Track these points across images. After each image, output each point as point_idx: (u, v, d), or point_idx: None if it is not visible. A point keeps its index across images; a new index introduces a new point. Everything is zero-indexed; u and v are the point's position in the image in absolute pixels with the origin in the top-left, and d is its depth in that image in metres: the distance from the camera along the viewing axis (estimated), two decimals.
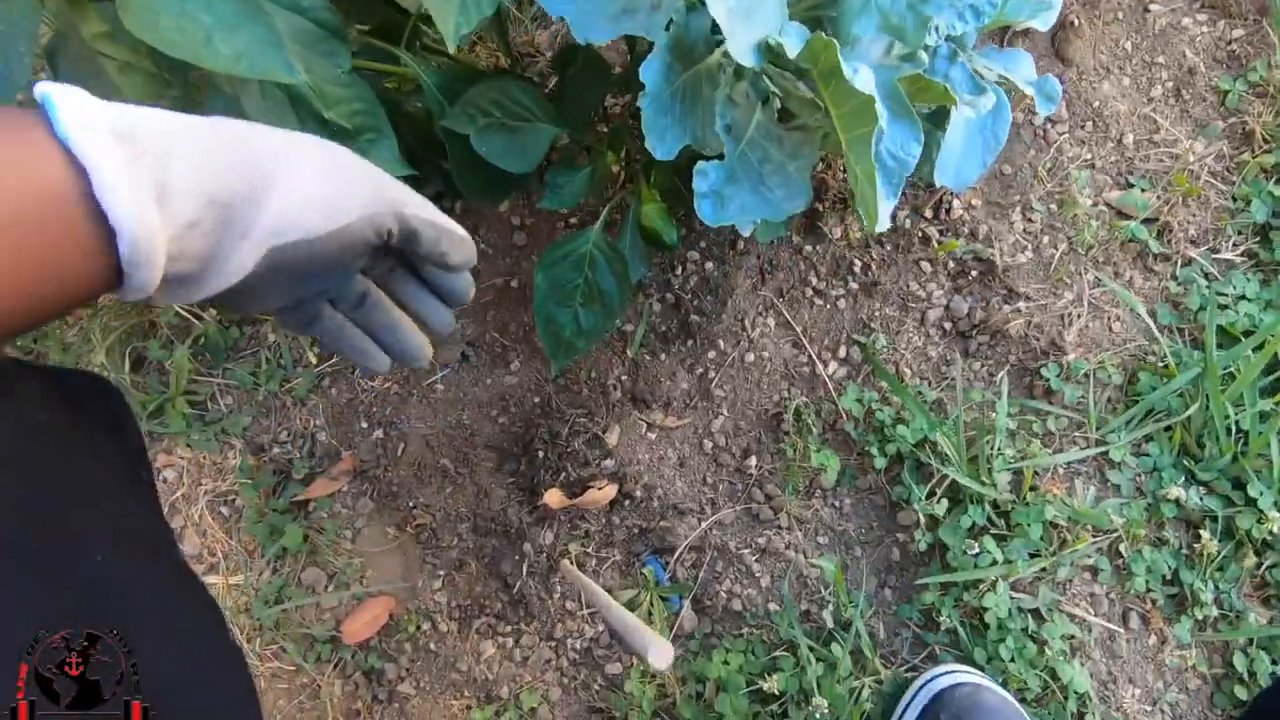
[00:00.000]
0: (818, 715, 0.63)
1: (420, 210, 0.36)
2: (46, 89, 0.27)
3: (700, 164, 0.51)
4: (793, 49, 0.46)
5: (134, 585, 0.31)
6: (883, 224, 0.46)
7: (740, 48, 0.46)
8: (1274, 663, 0.66)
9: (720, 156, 0.54)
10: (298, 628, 0.77)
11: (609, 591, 0.75)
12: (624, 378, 0.84)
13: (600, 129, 0.89)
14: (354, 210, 0.33)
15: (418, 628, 0.77)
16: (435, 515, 0.80)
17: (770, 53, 0.48)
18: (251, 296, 0.33)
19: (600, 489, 0.77)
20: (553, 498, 0.75)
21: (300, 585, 0.79)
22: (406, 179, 0.38)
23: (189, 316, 0.86)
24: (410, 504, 0.81)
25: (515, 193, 0.91)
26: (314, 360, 0.87)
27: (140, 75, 0.50)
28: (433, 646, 0.77)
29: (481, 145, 0.57)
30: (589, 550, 0.78)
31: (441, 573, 0.79)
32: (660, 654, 0.23)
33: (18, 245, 0.26)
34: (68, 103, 0.27)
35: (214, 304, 0.36)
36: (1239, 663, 0.67)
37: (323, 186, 0.32)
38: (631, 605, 0.75)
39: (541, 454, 0.80)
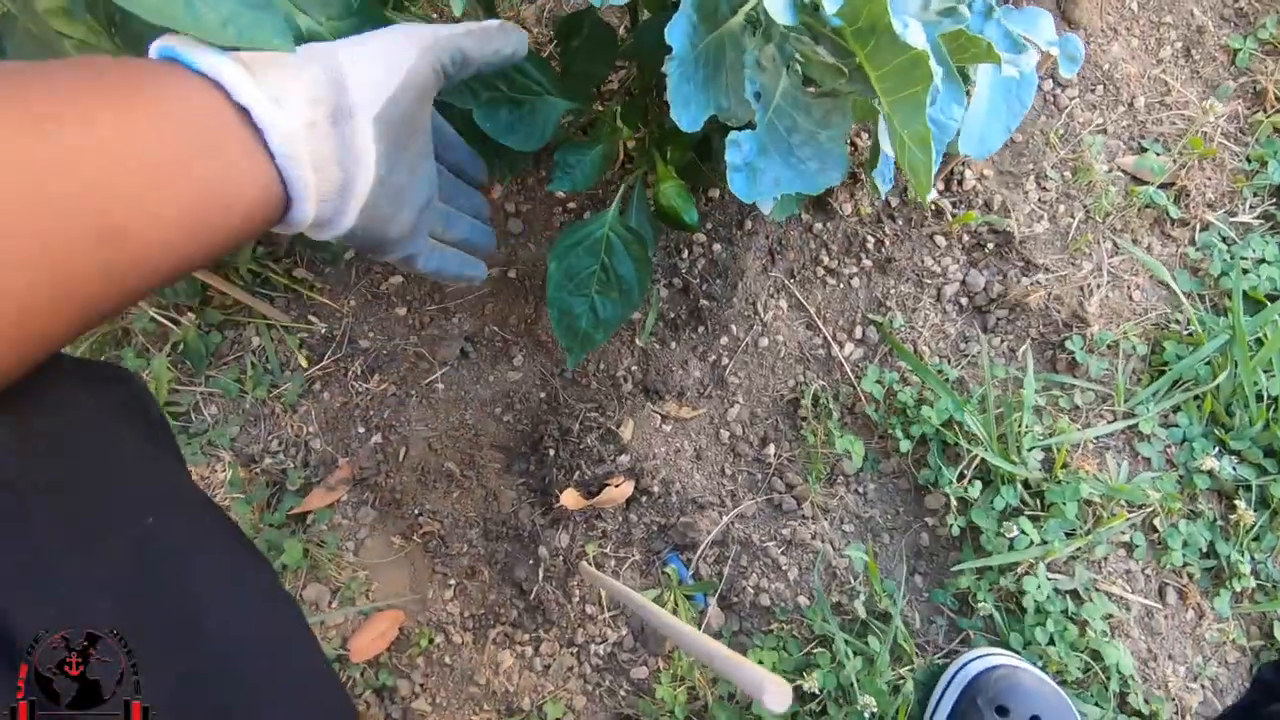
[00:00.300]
0: (866, 715, 0.61)
1: (456, 30, 0.40)
2: (167, 42, 0.32)
3: (733, 134, 0.47)
4: (832, 3, 0.42)
5: (188, 544, 0.32)
6: (932, 194, 0.43)
7: (777, 4, 0.42)
8: None
9: (746, 127, 0.50)
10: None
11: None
12: (634, 368, 0.80)
13: (598, 106, 0.84)
14: (410, 54, 0.37)
15: (430, 641, 0.73)
16: (443, 522, 0.76)
17: (804, 10, 0.44)
18: (391, 201, 0.39)
19: (617, 486, 0.73)
20: (569, 499, 0.71)
21: (302, 603, 0.74)
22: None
23: (165, 323, 0.81)
24: (415, 511, 0.76)
25: (513, 174, 0.86)
26: (304, 363, 0.82)
27: (99, 54, 0.44)
28: (447, 660, 0.73)
29: (485, 121, 0.53)
30: (607, 550, 0.75)
31: (452, 582, 0.75)
32: (778, 696, 0.20)
33: (204, 175, 0.30)
34: (187, 44, 0.32)
35: (361, 241, 0.40)
36: (1278, 633, 0.66)
37: (375, 46, 0.37)
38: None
39: (552, 452, 0.76)
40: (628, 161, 0.84)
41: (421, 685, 0.73)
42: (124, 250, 0.28)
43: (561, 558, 0.74)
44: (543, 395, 0.80)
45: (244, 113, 0.32)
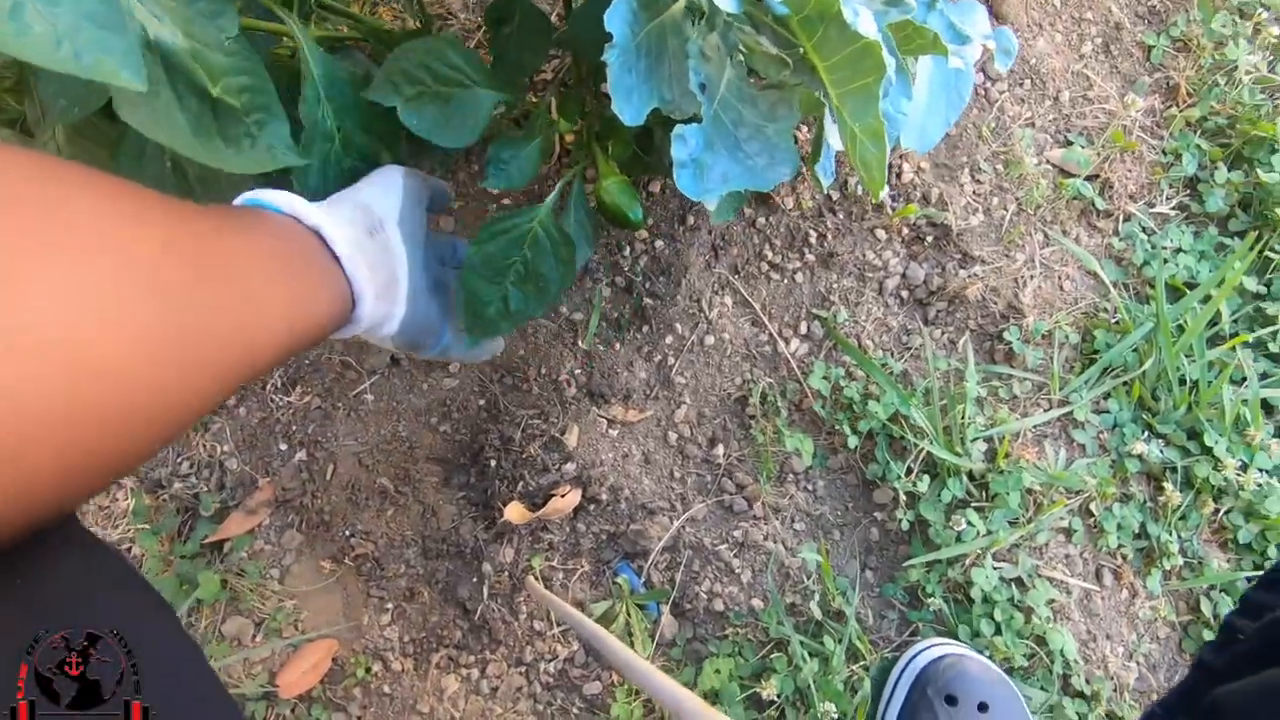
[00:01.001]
0: None
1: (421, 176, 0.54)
2: (257, 195, 0.41)
3: (679, 128, 0.45)
4: None
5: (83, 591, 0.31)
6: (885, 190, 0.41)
7: None
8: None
9: (691, 120, 0.47)
10: (224, 688, 0.67)
11: (580, 606, 0.69)
12: (578, 371, 0.77)
13: (532, 98, 0.80)
14: (398, 175, 0.50)
15: (368, 670, 0.68)
16: (377, 542, 0.71)
17: None
18: (426, 289, 0.51)
19: (564, 496, 0.70)
20: (514, 512, 0.68)
21: (223, 639, 0.68)
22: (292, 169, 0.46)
23: None
24: (346, 532, 0.71)
25: (443, 170, 0.81)
26: None
27: None
28: (387, 689, 0.68)
29: (411, 118, 0.48)
30: (555, 563, 0.72)
31: (390, 606, 0.70)
32: None
33: (302, 283, 0.38)
34: (275, 195, 0.41)
35: (410, 333, 0.51)
36: (1204, 608, 0.69)
37: (376, 179, 0.50)
38: (607, 617, 0.69)
39: (494, 463, 0.72)
40: (565, 155, 0.81)
41: (359, 718, 0.68)
42: (255, 361, 0.34)
43: (507, 573, 0.70)
44: (481, 403, 0.76)
45: (316, 234, 0.41)
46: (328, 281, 0.40)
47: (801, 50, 0.51)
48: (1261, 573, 0.56)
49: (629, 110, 0.44)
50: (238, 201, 0.41)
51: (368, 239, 0.44)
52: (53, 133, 0.52)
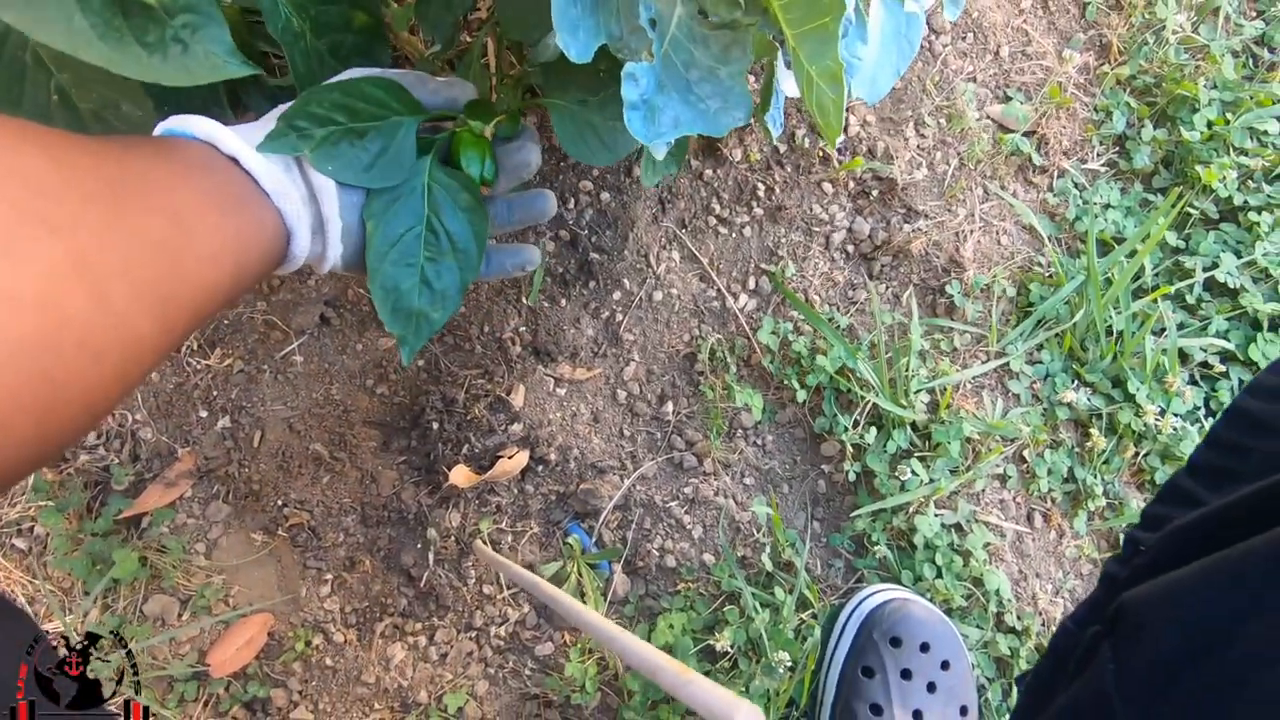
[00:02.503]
0: (780, 670, 0.61)
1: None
2: (178, 122, 0.38)
3: (629, 67, 0.42)
4: None
5: None
6: (841, 137, 0.40)
7: None
8: None
9: (642, 61, 0.44)
10: (148, 671, 0.63)
11: (530, 568, 0.68)
12: (522, 329, 0.74)
13: (466, 38, 0.75)
14: None
15: (307, 643, 0.65)
16: (313, 511, 0.68)
17: None
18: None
19: (511, 457, 0.68)
20: (459, 476, 0.65)
21: (144, 619, 0.64)
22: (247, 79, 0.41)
23: None
24: (279, 502, 0.67)
25: None
26: None
27: None
28: (329, 661, 0.66)
29: (326, 165, 0.43)
30: (503, 526, 0.70)
31: (329, 576, 0.67)
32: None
33: (243, 234, 0.37)
34: (193, 121, 0.38)
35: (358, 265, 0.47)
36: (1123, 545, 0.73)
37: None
38: (558, 578, 0.68)
39: (436, 426, 0.69)
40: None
41: (300, 692, 0.65)
42: (203, 297, 0.33)
43: (453, 538, 0.68)
44: (421, 363, 0.73)
45: (235, 162, 0.38)
46: (260, 215, 0.39)
47: None
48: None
49: (575, 46, 0.41)
50: (158, 129, 0.38)
51: (295, 168, 0.42)
52: None
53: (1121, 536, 0.74)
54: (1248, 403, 0.39)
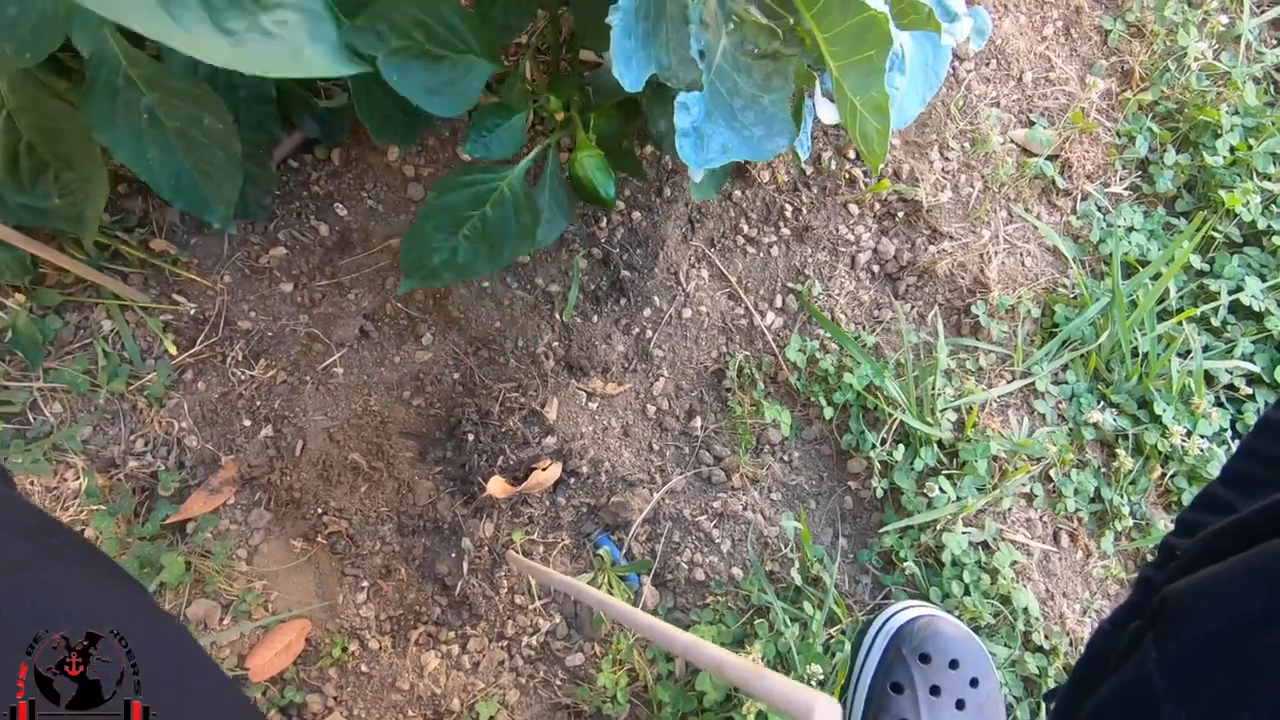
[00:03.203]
0: (812, 684, 0.62)
1: None
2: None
3: (681, 96, 0.44)
4: None
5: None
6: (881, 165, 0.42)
7: None
8: None
9: (691, 89, 0.46)
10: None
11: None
12: (555, 344, 0.76)
13: (504, 62, 0.78)
14: None
15: (343, 650, 0.67)
16: (351, 520, 0.69)
17: None
18: None
19: (544, 469, 0.69)
20: (496, 487, 0.67)
21: (188, 623, 0.65)
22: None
23: None
24: (318, 510, 0.69)
25: (416, 143, 0.78)
26: (171, 350, 0.71)
27: None
28: (364, 668, 0.67)
29: (393, 74, 0.46)
30: (535, 537, 0.71)
31: (365, 584, 0.69)
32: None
33: None
34: None
35: None
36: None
37: None
38: None
39: (472, 437, 0.71)
40: (539, 123, 0.79)
41: (335, 698, 0.66)
42: None
43: (487, 548, 0.70)
44: (456, 376, 0.74)
45: None
46: None
47: (793, 21, 0.51)
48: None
49: (629, 77, 0.43)
50: None
51: None
52: None
53: (1149, 558, 0.75)
54: (1277, 416, 0.41)
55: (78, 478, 0.67)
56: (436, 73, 0.48)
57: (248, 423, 0.71)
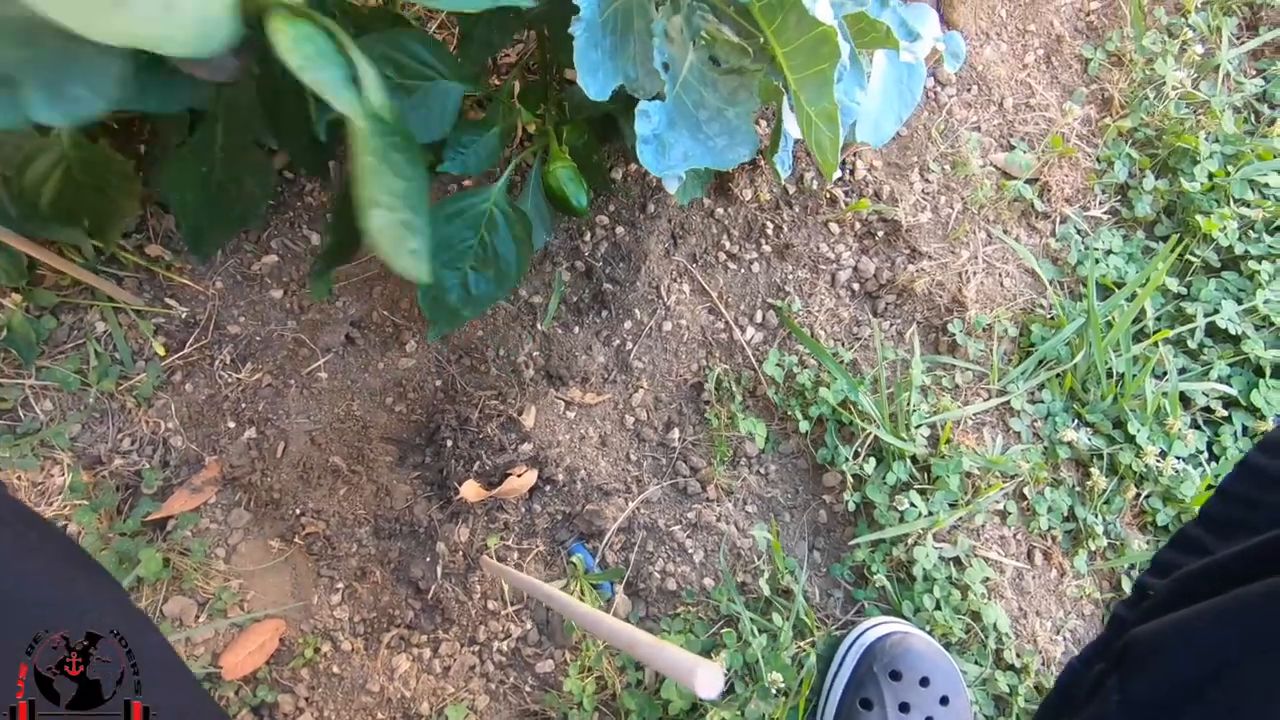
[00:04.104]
0: (774, 691, 0.62)
1: None
2: None
3: (642, 104, 0.46)
4: None
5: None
6: (837, 173, 0.43)
7: None
8: None
9: (655, 99, 0.48)
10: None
11: None
12: (536, 354, 0.77)
13: (495, 81, 0.80)
14: None
15: (316, 650, 0.67)
16: (328, 521, 0.70)
17: None
18: None
19: (520, 476, 0.70)
20: (469, 490, 0.68)
21: (164, 619, 0.66)
22: None
23: None
24: (297, 511, 0.70)
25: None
26: (160, 352, 0.73)
27: None
28: (336, 669, 0.67)
29: None
30: (510, 543, 0.72)
31: (340, 585, 0.70)
32: (708, 680, 0.19)
33: None
34: None
35: None
36: (1126, 586, 0.73)
37: None
38: None
39: (450, 443, 0.72)
40: (526, 140, 0.81)
41: (307, 699, 0.67)
42: None
43: (461, 553, 0.70)
44: (438, 383, 0.76)
45: None
46: None
47: (761, 39, 0.53)
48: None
49: (594, 85, 0.45)
50: None
51: None
52: None
53: (1124, 578, 0.74)
54: (1258, 459, 0.40)
55: (63, 474, 0.68)
56: (413, 104, 0.50)
57: (232, 424, 0.72)
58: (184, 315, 0.75)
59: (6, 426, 0.69)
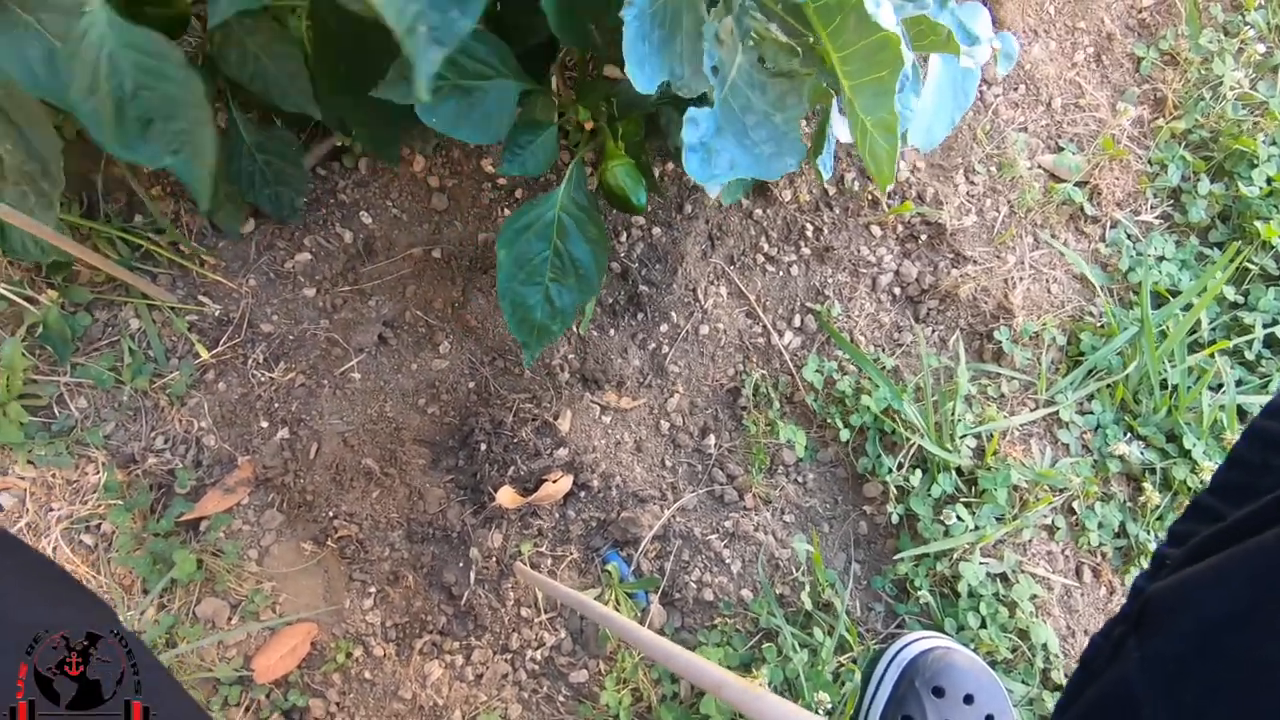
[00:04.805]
0: (820, 712, 0.60)
1: None
2: None
3: (691, 111, 0.44)
4: None
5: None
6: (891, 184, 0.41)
7: None
8: None
9: (700, 102, 0.47)
10: (196, 672, 0.64)
11: None
12: (571, 357, 0.76)
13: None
14: None
15: (348, 655, 0.67)
16: (361, 524, 0.70)
17: None
18: None
19: (555, 481, 0.69)
20: (506, 497, 0.67)
21: (196, 621, 0.66)
22: None
23: (20, 301, 0.69)
24: (329, 514, 0.69)
25: (436, 149, 0.80)
26: (196, 350, 0.72)
27: None
28: (368, 674, 0.67)
29: (431, 117, 0.47)
30: (543, 549, 0.71)
31: (373, 590, 0.69)
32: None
33: None
34: None
35: None
36: None
37: None
38: None
39: (484, 446, 0.71)
40: (564, 137, 0.80)
41: (338, 704, 0.66)
42: None
43: (494, 559, 0.69)
44: (472, 385, 0.75)
45: None
46: None
47: (812, 40, 0.51)
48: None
49: (642, 77, 0.43)
50: None
51: None
52: None
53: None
54: (1266, 423, 0.41)
55: (98, 472, 0.68)
56: (472, 104, 0.49)
57: (265, 424, 0.72)
58: (217, 313, 0.74)
59: (42, 424, 0.69)
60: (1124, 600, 0.71)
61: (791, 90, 0.53)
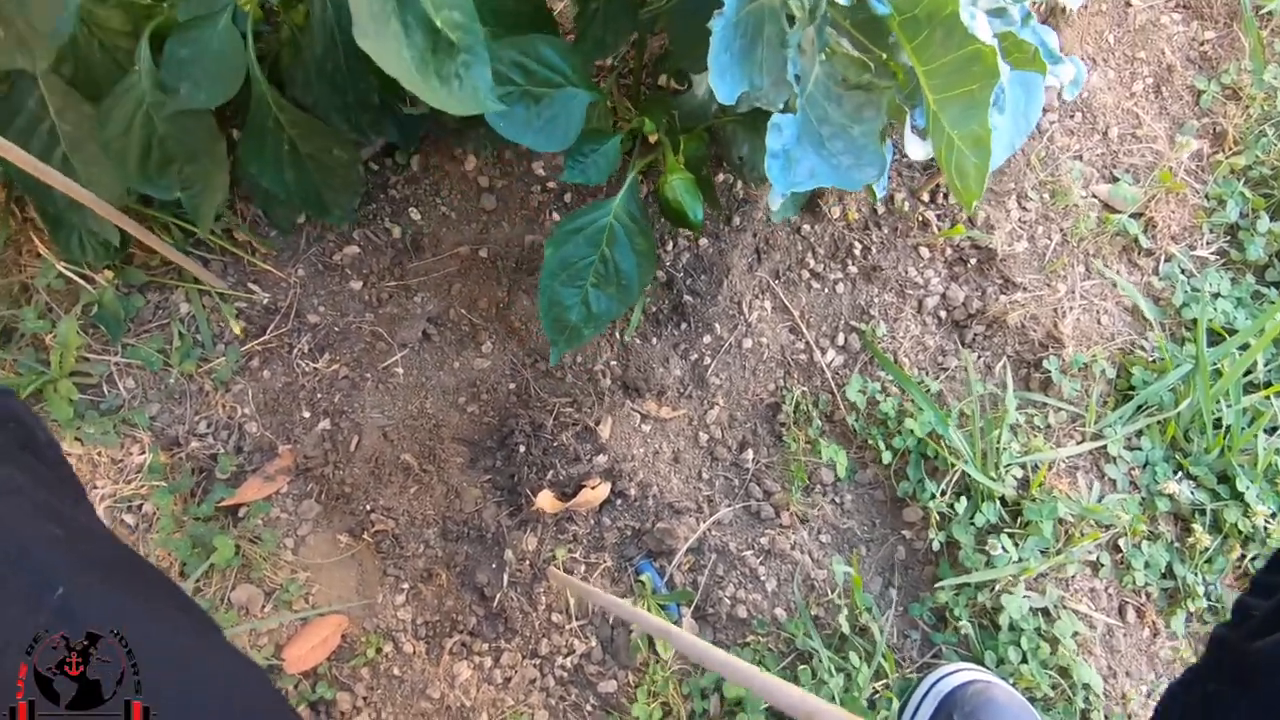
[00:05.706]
0: None
1: None
2: None
3: (775, 117, 0.44)
4: None
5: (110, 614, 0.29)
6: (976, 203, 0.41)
7: None
8: None
9: (785, 111, 0.46)
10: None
11: None
12: (614, 363, 0.75)
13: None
14: None
15: (378, 650, 0.66)
16: (397, 520, 0.69)
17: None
18: None
19: (594, 488, 0.69)
20: (545, 501, 0.66)
21: (230, 606, 0.66)
22: None
23: (77, 280, 0.70)
24: (366, 507, 0.69)
25: (492, 148, 0.80)
26: (239, 334, 0.73)
27: None
28: (396, 671, 0.66)
29: (499, 121, 0.47)
30: (577, 555, 0.70)
31: (405, 586, 0.68)
32: None
33: None
34: None
35: None
36: None
37: None
38: None
39: (523, 449, 0.71)
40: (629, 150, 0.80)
41: (365, 699, 0.66)
42: None
43: (528, 562, 0.69)
44: (513, 387, 0.75)
45: None
46: None
47: (884, 55, 0.50)
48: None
49: (724, 88, 0.43)
50: None
51: None
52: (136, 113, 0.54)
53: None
54: None
55: (143, 453, 0.68)
56: (540, 111, 0.49)
57: (307, 414, 0.72)
58: (265, 301, 0.75)
59: (90, 402, 0.70)
60: (1169, 643, 0.70)
61: (868, 103, 0.52)
